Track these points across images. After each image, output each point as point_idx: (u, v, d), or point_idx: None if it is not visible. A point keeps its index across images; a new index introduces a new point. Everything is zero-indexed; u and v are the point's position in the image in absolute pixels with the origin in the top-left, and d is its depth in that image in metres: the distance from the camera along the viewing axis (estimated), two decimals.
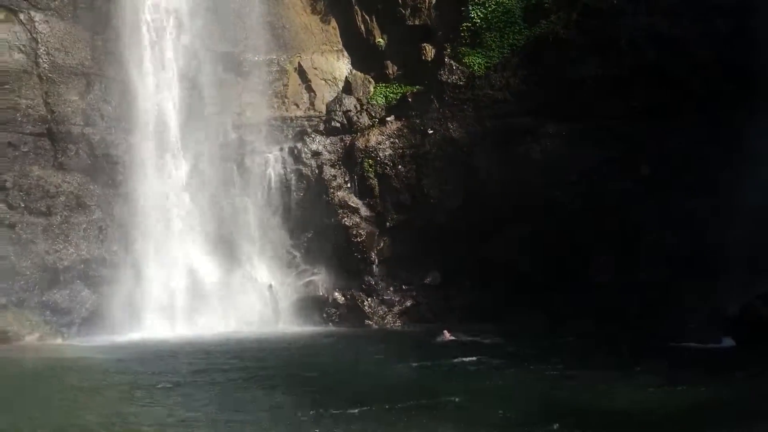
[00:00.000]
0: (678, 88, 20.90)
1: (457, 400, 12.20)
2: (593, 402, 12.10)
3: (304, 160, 24.07)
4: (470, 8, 23.47)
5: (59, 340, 19.70)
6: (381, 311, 22.82)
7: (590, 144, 21.43)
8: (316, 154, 24.10)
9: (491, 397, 12.54)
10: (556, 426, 10.35)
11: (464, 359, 15.92)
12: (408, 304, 23.11)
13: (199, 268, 21.84)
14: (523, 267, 21.97)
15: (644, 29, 21.44)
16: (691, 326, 18.15)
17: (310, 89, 24.87)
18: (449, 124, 23.36)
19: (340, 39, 25.33)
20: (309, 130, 24.47)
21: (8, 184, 20.38)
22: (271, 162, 24.08)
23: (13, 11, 21.26)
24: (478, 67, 23.25)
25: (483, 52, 23.36)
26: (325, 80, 25.04)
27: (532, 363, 15.46)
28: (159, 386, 13.58)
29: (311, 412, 11.28)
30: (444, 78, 23.40)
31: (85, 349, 18.42)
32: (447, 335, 19.34)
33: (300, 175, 24.05)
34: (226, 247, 22.72)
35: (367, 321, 22.46)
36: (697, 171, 20.41)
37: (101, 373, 14.98)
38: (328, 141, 24.36)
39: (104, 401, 12.49)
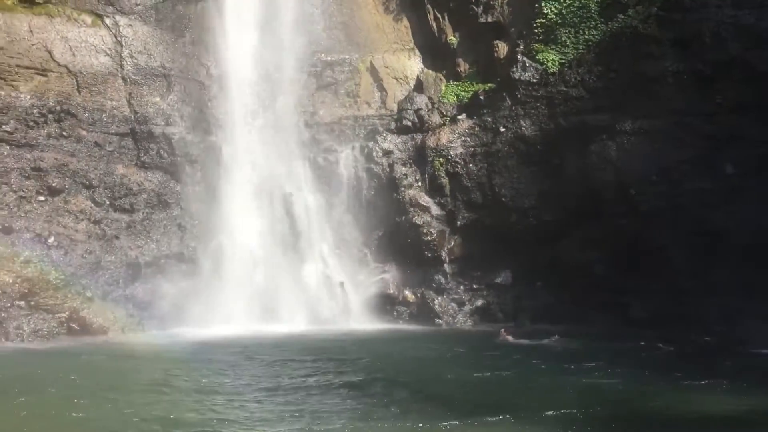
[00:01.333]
0: (765, 83, 19.97)
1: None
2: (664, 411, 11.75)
3: (376, 158, 24.22)
4: (544, 4, 23.07)
5: (140, 333, 20.40)
6: (451, 310, 22.77)
7: (670, 142, 20.71)
8: (387, 152, 24.22)
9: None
10: None
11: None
12: (478, 303, 22.97)
13: (273, 265, 22.27)
14: (598, 268, 21.48)
15: (729, 22, 20.51)
16: None
17: (381, 88, 25.02)
18: (522, 122, 23.06)
19: (411, 38, 25.38)
20: (380, 128, 24.61)
21: (94, 182, 21.34)
22: (342, 160, 24.34)
23: (99, 16, 22.25)
24: (552, 63, 22.85)
25: (557, 49, 22.94)
26: (396, 79, 25.13)
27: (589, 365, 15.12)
28: (239, 381, 13.92)
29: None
30: (517, 75, 23.09)
31: (165, 342, 18.99)
32: (504, 335, 19.10)
33: (371, 174, 24.22)
34: (299, 244, 23.10)
35: (437, 320, 22.44)
36: None
37: (182, 366, 15.45)
38: (400, 140, 24.44)
39: (186, 394, 12.87)
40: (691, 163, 20.63)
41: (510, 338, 19.00)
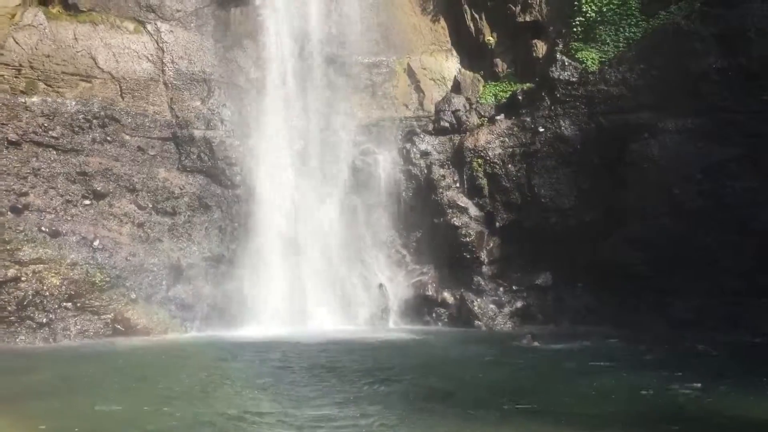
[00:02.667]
0: None
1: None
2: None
3: (414, 160, 24.21)
4: (583, 2, 22.80)
5: (182, 334, 20.74)
6: (491, 312, 22.61)
7: (715, 140, 20.27)
8: (425, 154, 24.18)
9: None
10: None
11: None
12: (518, 305, 22.76)
13: (312, 267, 22.42)
14: (640, 269, 21.11)
15: None
16: None
17: (419, 89, 25.02)
18: (561, 122, 22.81)
19: (448, 38, 25.32)
20: (418, 130, 24.59)
21: (137, 186, 21.74)
22: (380, 162, 24.37)
23: (141, 23, 22.68)
24: (592, 62, 22.57)
25: (597, 47, 22.67)
26: (433, 80, 25.09)
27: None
28: (283, 382, 14.03)
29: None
30: (556, 74, 22.86)
31: (207, 343, 19.26)
32: (530, 340, 18.80)
33: (409, 175, 24.21)
34: (338, 245, 23.20)
35: (476, 322, 22.30)
36: None
37: (225, 366, 15.65)
38: (437, 141, 24.39)
39: (232, 393, 13.03)
40: (736, 161, 20.16)
41: (536, 343, 18.60)
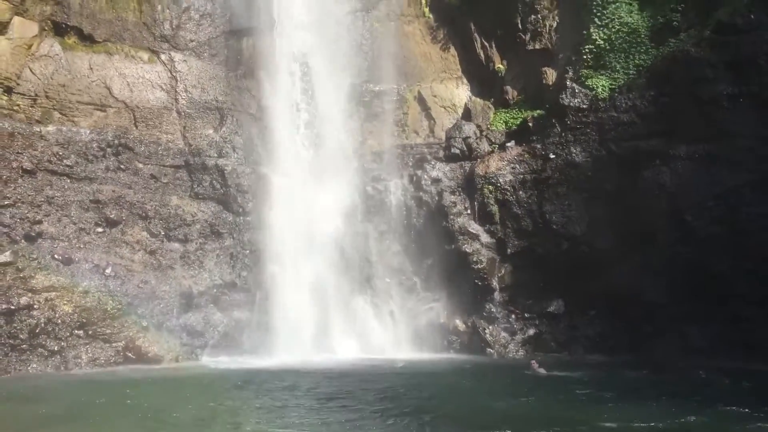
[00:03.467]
0: None
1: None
2: None
3: (425, 186, 24.23)
4: (592, 30, 22.94)
5: (193, 362, 20.68)
6: (503, 339, 22.44)
7: (727, 166, 20.20)
8: (436, 180, 24.21)
9: None
10: None
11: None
12: (530, 332, 22.59)
13: (324, 294, 22.36)
14: (654, 296, 20.94)
15: None
16: None
17: (429, 117, 25.15)
18: (572, 149, 22.81)
19: (459, 66, 25.50)
20: (429, 157, 24.66)
21: (150, 213, 21.87)
22: (392, 189, 24.43)
23: (155, 53, 23.01)
24: (602, 89, 22.63)
25: (607, 74, 22.74)
26: (444, 108, 25.22)
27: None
28: (298, 408, 13.93)
29: None
30: (566, 101, 22.93)
31: (218, 370, 19.20)
32: (535, 367, 18.56)
33: (420, 202, 24.23)
34: (349, 273, 23.17)
35: (488, 349, 22.13)
36: None
37: (235, 393, 15.56)
38: (448, 168, 24.43)
39: (241, 423, 12.95)
40: (749, 187, 20.05)
41: (542, 371, 18.33)
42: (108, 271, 20.65)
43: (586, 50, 23.00)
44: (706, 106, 20.56)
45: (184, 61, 23.06)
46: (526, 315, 22.73)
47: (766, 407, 13.29)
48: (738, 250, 19.98)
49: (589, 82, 22.80)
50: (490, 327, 22.56)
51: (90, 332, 19.55)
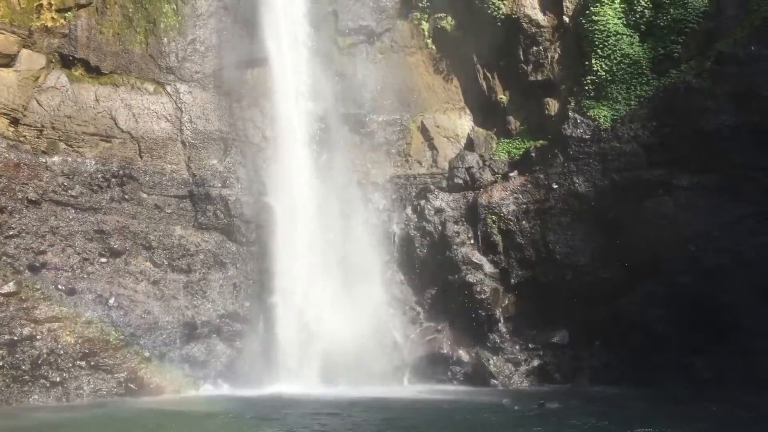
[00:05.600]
0: None
1: None
2: None
3: (428, 216, 24.26)
4: (594, 61, 23.10)
5: (196, 393, 20.55)
6: (507, 370, 22.27)
7: (731, 197, 20.22)
8: (439, 210, 24.25)
9: None
10: None
11: None
12: (535, 363, 22.42)
13: (327, 325, 22.27)
14: (660, 326, 20.81)
15: None
16: None
17: (432, 147, 25.27)
18: (575, 179, 22.88)
19: (462, 97, 25.68)
20: (432, 187, 24.72)
21: (154, 244, 21.92)
22: (394, 219, 24.47)
23: (161, 84, 23.25)
24: (604, 119, 22.76)
25: (609, 105, 22.87)
26: (447, 138, 25.36)
27: None
28: None
29: None
30: (568, 132, 23.05)
31: (220, 402, 19.06)
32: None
33: (423, 232, 24.24)
34: (352, 303, 23.10)
35: (492, 380, 21.96)
36: None
37: (236, 426, 15.45)
38: (451, 198, 24.47)
39: None
40: (753, 217, 20.05)
41: (549, 404, 17.94)
42: (111, 301, 20.64)
43: (588, 81, 23.18)
44: (708, 137, 20.65)
45: (189, 92, 23.28)
46: (530, 345, 22.58)
47: None
48: (743, 281, 19.91)
49: (591, 112, 22.94)
50: (494, 358, 22.42)
51: (92, 363, 19.47)
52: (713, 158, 20.58)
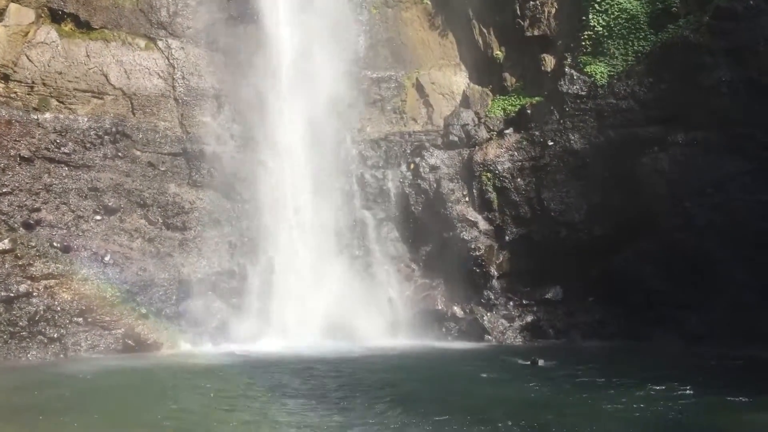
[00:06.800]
0: None
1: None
2: None
3: (423, 174, 24.22)
4: (591, 17, 22.86)
5: (193, 349, 20.68)
6: (501, 326, 22.50)
7: (726, 154, 20.20)
8: (434, 168, 24.20)
9: None
10: None
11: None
12: (528, 319, 22.64)
13: (321, 281, 22.39)
14: (653, 282, 20.99)
15: None
16: None
17: (427, 104, 25.09)
18: (570, 136, 22.81)
19: (457, 53, 25.44)
20: (427, 144, 24.62)
21: (148, 201, 21.87)
22: (389, 176, 24.41)
23: (152, 40, 22.93)
24: (601, 76, 22.59)
25: (606, 61, 22.69)
26: (442, 95, 25.17)
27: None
28: (295, 398, 14.00)
29: None
30: (564, 88, 22.89)
31: (216, 358, 19.21)
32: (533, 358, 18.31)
33: (418, 189, 24.22)
34: (347, 260, 23.20)
35: (486, 336, 22.19)
36: None
37: (234, 381, 15.63)
38: (446, 155, 24.40)
39: (239, 409, 13.02)
40: (749, 174, 20.06)
41: (541, 361, 17.91)
42: (107, 258, 20.67)
43: (585, 37, 22.94)
44: (705, 93, 20.53)
45: (182, 48, 22.97)
46: (524, 302, 22.78)
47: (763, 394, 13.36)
48: (737, 237, 20.01)
49: (587, 68, 22.76)
50: (489, 314, 22.61)
51: (89, 319, 19.55)
52: (709, 114, 20.50)
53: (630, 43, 22.38)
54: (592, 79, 22.60)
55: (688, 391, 13.84)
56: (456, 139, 24.51)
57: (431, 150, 24.47)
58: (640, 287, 21.19)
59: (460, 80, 25.26)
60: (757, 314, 18.92)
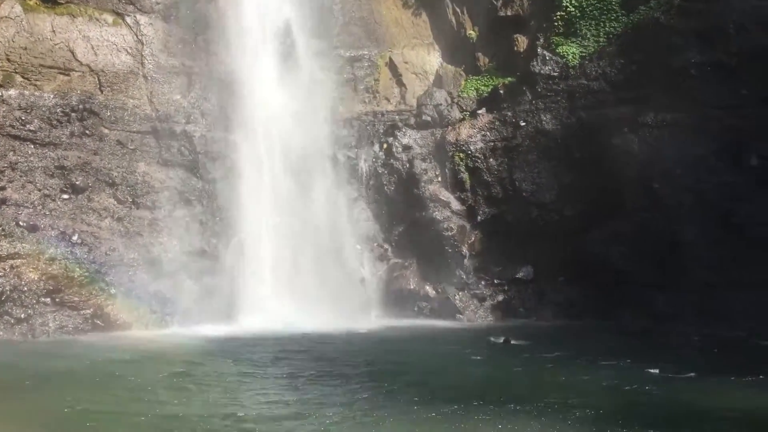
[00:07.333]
0: None
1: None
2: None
3: (396, 154, 24.19)
4: None
5: (163, 329, 20.51)
6: (472, 306, 22.69)
7: (694, 135, 20.47)
8: (407, 148, 24.17)
9: None
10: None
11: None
12: (500, 298, 22.88)
13: (293, 261, 22.33)
14: (621, 263, 21.29)
15: (753, 12, 20.27)
16: None
17: (400, 83, 24.99)
18: (542, 116, 22.91)
19: (430, 32, 25.34)
20: (400, 124, 24.56)
21: (117, 180, 21.52)
22: (362, 156, 24.34)
23: (120, 15, 22.43)
24: (573, 56, 22.68)
25: (577, 42, 22.78)
26: (415, 74, 25.08)
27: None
28: (262, 377, 13.99)
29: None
30: (537, 69, 22.95)
31: (187, 338, 19.06)
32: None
33: (391, 169, 24.19)
34: (319, 240, 23.13)
35: (458, 315, 22.37)
36: None
37: (203, 361, 15.56)
38: (419, 135, 24.38)
39: (205, 389, 12.98)
40: (716, 156, 20.38)
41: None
42: (74, 238, 20.33)
43: (557, 17, 22.99)
44: (675, 75, 20.77)
45: (150, 24, 22.50)
46: (495, 281, 22.99)
47: (718, 374, 13.60)
48: (704, 218, 20.37)
49: (559, 49, 22.83)
50: (460, 293, 22.78)
51: (57, 300, 19.29)
52: (679, 96, 20.73)
53: (602, 24, 22.48)
54: (564, 59, 22.68)
55: (653, 369, 14.11)
56: (429, 119, 24.49)
57: (404, 130, 24.43)
58: (609, 267, 21.48)
59: (433, 60, 25.17)
60: (722, 294, 19.31)
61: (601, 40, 22.39)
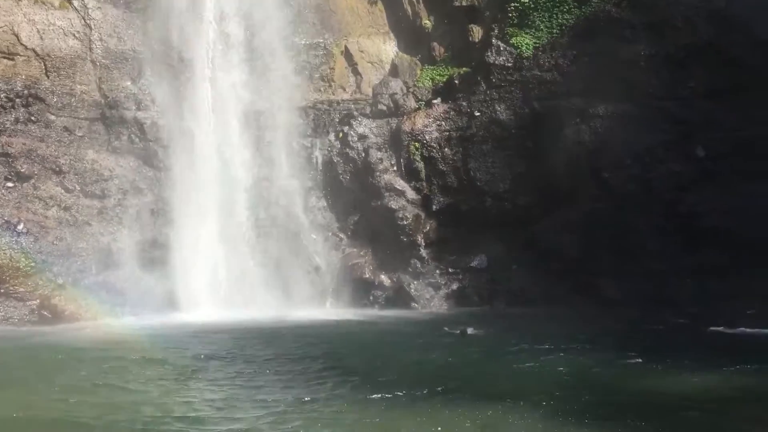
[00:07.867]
0: (736, 66, 20.22)
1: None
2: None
3: (351, 143, 24.10)
4: None
5: (113, 320, 20.11)
6: (427, 294, 22.81)
7: (643, 126, 20.92)
8: (362, 137, 24.11)
9: None
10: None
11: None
12: (454, 287, 23.03)
13: (247, 251, 22.13)
14: (573, 251, 21.65)
15: (700, 6, 20.80)
16: (748, 312, 17.66)
17: (356, 72, 24.87)
18: (496, 106, 23.09)
19: (386, 21, 25.26)
20: (355, 113, 24.47)
21: (64, 168, 21.00)
22: (317, 145, 24.19)
23: None
24: (526, 47, 22.89)
25: (531, 33, 22.99)
26: (371, 63, 24.99)
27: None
28: (212, 368, 13.81)
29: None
30: (491, 59, 23.10)
31: (137, 329, 18.70)
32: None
33: (347, 158, 24.11)
34: (273, 229, 22.95)
35: (413, 304, 22.47)
36: (756, 153, 19.75)
37: (153, 352, 15.29)
38: (375, 124, 24.33)
39: (154, 381, 12.76)
40: (663, 146, 20.88)
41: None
42: (20, 227, 19.80)
43: (512, 8, 23.16)
44: (625, 66, 21.14)
45: (99, 8, 21.95)
46: (450, 270, 23.14)
47: (664, 358, 13.98)
48: (651, 207, 20.87)
49: (513, 40, 23.01)
50: (415, 282, 22.87)
51: (2, 290, 18.83)
52: (628, 88, 21.12)
53: (555, 15, 22.72)
54: (518, 50, 22.87)
55: (605, 354, 14.39)
56: (384, 108, 24.45)
57: (359, 119, 24.35)
58: (561, 255, 21.81)
59: (389, 49, 25.12)
60: (666, 281, 19.80)
61: (554, 31, 22.65)
